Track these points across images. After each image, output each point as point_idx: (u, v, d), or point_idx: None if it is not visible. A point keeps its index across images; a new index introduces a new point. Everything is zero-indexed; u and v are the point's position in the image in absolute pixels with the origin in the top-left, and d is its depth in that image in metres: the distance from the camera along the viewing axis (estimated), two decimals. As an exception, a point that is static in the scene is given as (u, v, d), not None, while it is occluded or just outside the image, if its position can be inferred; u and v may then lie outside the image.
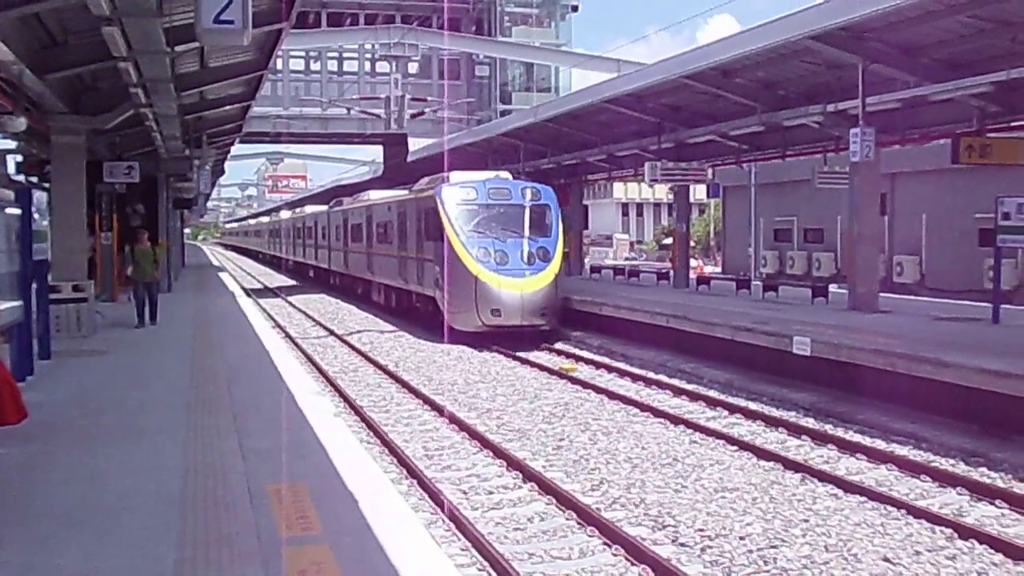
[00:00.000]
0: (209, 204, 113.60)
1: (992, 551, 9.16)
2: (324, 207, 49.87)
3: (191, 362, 15.65)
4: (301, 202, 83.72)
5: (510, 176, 28.35)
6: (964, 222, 28.76)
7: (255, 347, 17.67)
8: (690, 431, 14.35)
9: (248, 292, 40.09)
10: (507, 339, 23.89)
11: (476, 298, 24.03)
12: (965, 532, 9.62)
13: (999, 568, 8.79)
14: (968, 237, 28.23)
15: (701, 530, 9.75)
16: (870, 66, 19.00)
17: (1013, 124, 19.17)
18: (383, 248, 33.03)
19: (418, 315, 28.73)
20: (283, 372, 14.54)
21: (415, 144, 49.59)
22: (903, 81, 19.69)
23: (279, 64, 45.39)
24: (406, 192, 31.68)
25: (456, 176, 26.96)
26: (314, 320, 32.18)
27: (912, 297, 27.77)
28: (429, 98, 47.35)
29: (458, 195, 25.52)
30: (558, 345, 24.47)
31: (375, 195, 38.12)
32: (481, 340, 24.17)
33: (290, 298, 42.10)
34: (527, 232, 25.05)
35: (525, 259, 24.48)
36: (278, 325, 29.92)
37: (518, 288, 23.94)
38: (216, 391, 12.80)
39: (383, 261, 33.07)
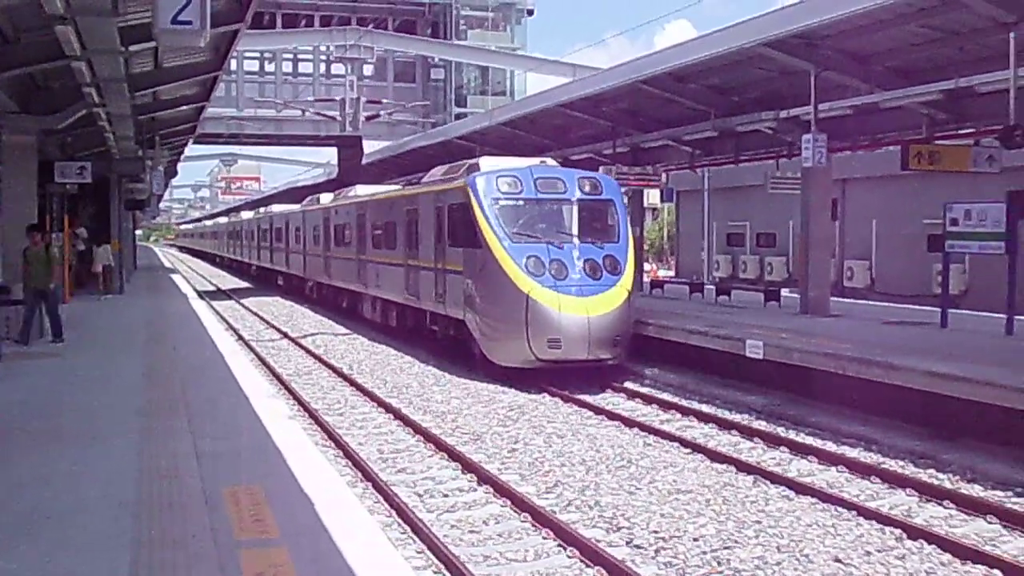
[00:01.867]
0: (161, 205, 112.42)
1: (940, 551, 9.32)
2: (296, 205, 44.56)
3: (144, 365, 15.55)
4: (267, 200, 76.23)
5: (556, 163, 23.26)
6: (913, 227, 29.11)
7: (209, 350, 17.57)
8: (644, 434, 14.46)
9: (201, 294, 39.84)
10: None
11: (527, 323, 18.12)
12: (914, 532, 9.77)
13: (947, 568, 8.95)
14: (917, 242, 28.57)
15: (655, 532, 9.83)
16: (822, 73, 19.23)
17: (960, 132, 19.47)
18: (382, 254, 26.97)
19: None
20: (237, 375, 14.48)
21: (370, 147, 49.51)
22: (855, 88, 19.96)
23: (234, 65, 45.16)
24: (417, 185, 25.89)
25: (488, 162, 21.32)
26: (267, 323, 32.00)
27: (862, 301, 28.11)
28: (384, 100, 47.27)
29: (497, 187, 19.53)
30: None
31: (365, 190, 32.25)
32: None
33: (243, 300, 41.82)
34: (588, 236, 19.49)
35: (589, 271, 18.86)
36: (231, 328, 29.72)
37: (583, 310, 18.11)
38: (170, 394, 12.72)
39: (381, 271, 26.93)
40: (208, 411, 11.54)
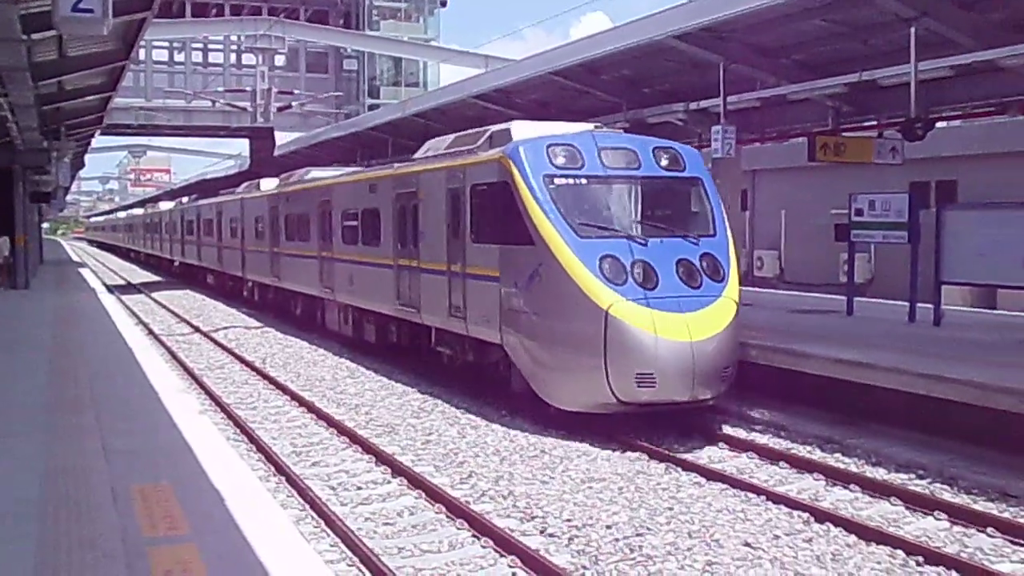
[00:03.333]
0: (68, 198, 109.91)
1: (847, 533, 9.56)
2: (232, 195, 37.71)
3: (50, 361, 15.23)
4: (191, 187, 69.91)
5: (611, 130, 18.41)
6: (820, 218, 29.65)
7: (118, 345, 17.27)
8: (556, 424, 14.54)
9: (110, 289, 39.12)
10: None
11: (606, 351, 13.10)
12: (821, 516, 10.01)
13: (852, 549, 9.17)
14: (824, 232, 29.12)
15: (568, 520, 9.92)
16: (731, 66, 19.49)
17: (865, 124, 19.89)
18: (357, 252, 21.66)
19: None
20: (147, 370, 14.26)
21: (282, 138, 49.01)
22: (762, 81, 20.28)
23: (142, 54, 44.40)
24: (416, 162, 19.49)
25: (523, 128, 16.01)
26: (179, 317, 31.54)
27: (772, 291, 28.57)
28: (296, 91, 46.89)
29: (551, 159, 14.35)
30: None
31: (324, 172, 27.14)
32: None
33: (154, 294, 41.16)
34: (675, 227, 14.53)
35: (685, 277, 13.84)
36: (142, 322, 29.26)
37: (685, 333, 13.11)
38: (77, 390, 12.49)
39: (357, 273, 21.71)
40: (117, 407, 11.36)
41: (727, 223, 14.95)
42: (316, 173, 27.27)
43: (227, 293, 37.62)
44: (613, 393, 13.16)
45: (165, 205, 59.73)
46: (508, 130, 15.96)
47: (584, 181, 14.42)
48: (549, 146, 14.55)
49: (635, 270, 13.52)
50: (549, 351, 13.99)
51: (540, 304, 14.07)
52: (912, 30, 15.50)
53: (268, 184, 32.04)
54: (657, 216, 14.52)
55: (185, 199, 54.19)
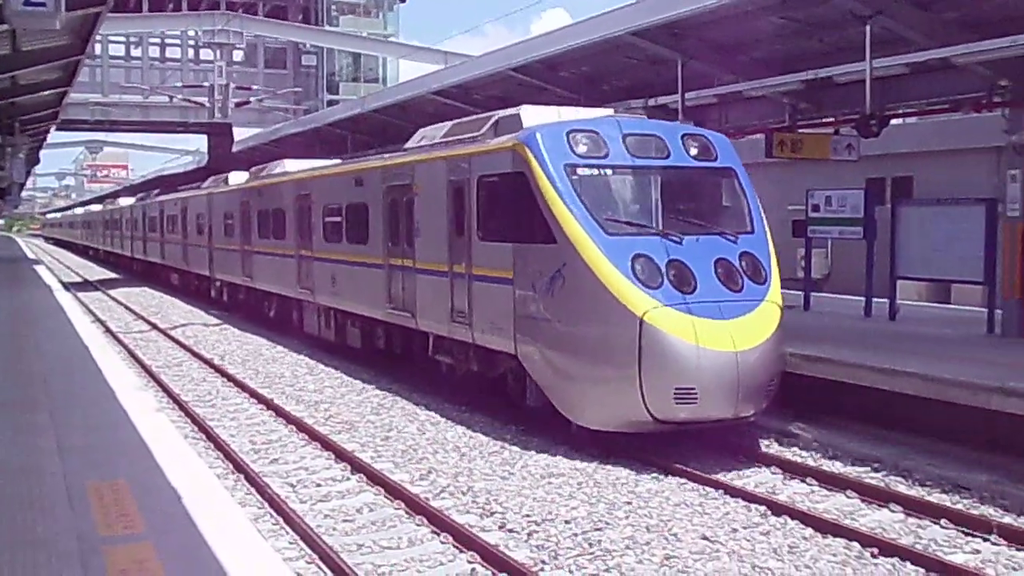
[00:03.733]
0: (24, 194, 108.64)
1: (803, 526, 9.69)
2: (198, 189, 36.20)
3: (3, 359, 15.04)
4: (152, 183, 65.72)
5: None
6: (778, 213, 29.74)
7: (74, 343, 17.08)
8: (516, 419, 14.56)
9: (67, 286, 38.70)
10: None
11: (640, 364, 11.73)
12: (778, 509, 10.12)
13: (809, 541, 9.27)
14: (782, 228, 29.31)
15: (528, 516, 9.95)
16: (689, 62, 19.55)
17: (821, 121, 20.05)
18: (340, 251, 20.19)
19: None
20: (104, 368, 14.12)
21: (240, 134, 48.68)
22: (720, 78, 20.36)
23: (98, 49, 43.94)
24: (410, 152, 17.69)
25: (535, 113, 14.54)
26: (136, 314, 31.28)
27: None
28: (254, 87, 46.56)
29: (572, 147, 12.93)
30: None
31: (298, 164, 25.49)
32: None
33: (112, 292, 40.79)
34: (710, 223, 13.24)
35: (724, 279, 12.50)
36: (99, 320, 29.00)
37: (728, 342, 11.79)
38: (32, 388, 12.35)
39: (340, 273, 20.14)
40: (72, 405, 11.24)
41: (764, 218, 13.70)
42: (291, 165, 25.71)
43: (193, 293, 36.06)
44: (647, 410, 11.77)
45: (125, 201, 58.03)
46: (517, 115, 14.45)
47: (610, 172, 13.01)
48: (570, 132, 13.09)
49: (670, 272, 12.14)
50: (573, 363, 12.49)
51: (563, 310, 12.55)
52: (867, 28, 15.62)
53: (238, 178, 30.30)
54: (690, 211, 13.17)
55: (147, 194, 52.21)
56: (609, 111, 15.48)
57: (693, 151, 13.54)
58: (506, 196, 13.60)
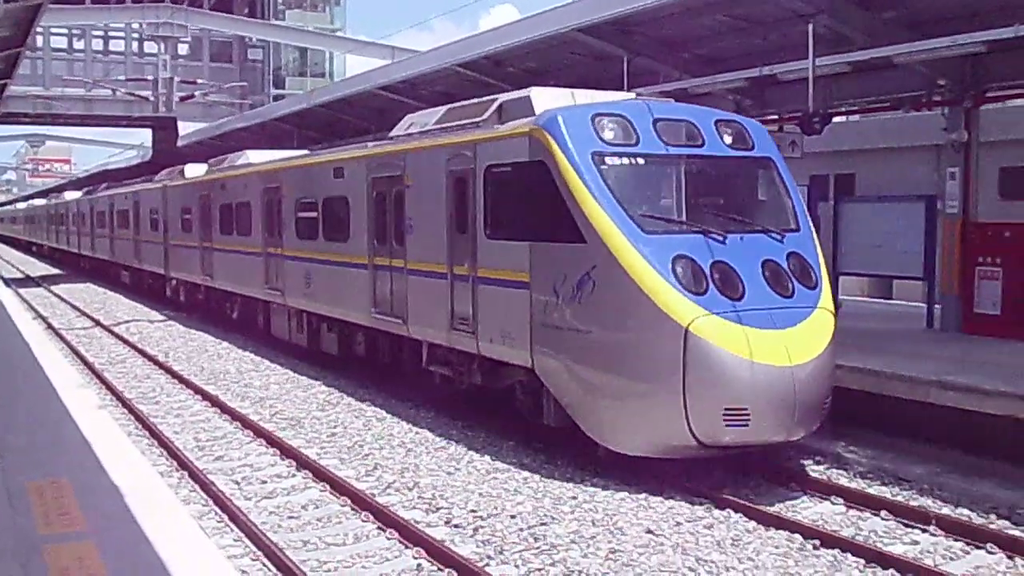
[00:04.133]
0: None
1: (747, 519, 9.80)
2: (151, 183, 33.17)
3: (-58, 356, 14.84)
4: (96, 178, 61.67)
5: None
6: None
7: (13, 339, 16.86)
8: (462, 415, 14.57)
9: (7, 282, 38.17)
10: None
11: (685, 381, 10.38)
12: (722, 503, 10.22)
13: (752, 534, 9.38)
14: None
15: (474, 511, 9.97)
16: (635, 59, 19.68)
17: (766, 118, 20.22)
18: (317, 249, 18.42)
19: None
20: (44, 365, 13.95)
21: (185, 128, 48.26)
22: (666, 74, 20.49)
23: (40, 41, 43.35)
24: (401, 140, 15.84)
25: (547, 95, 12.90)
26: (79, 310, 30.89)
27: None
28: (199, 81, 46.19)
29: (598, 133, 11.46)
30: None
31: (262, 156, 24.06)
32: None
33: (54, 288, 40.23)
34: (753, 219, 11.81)
35: (772, 283, 11.12)
36: (40, 316, 28.60)
37: (783, 355, 10.47)
38: (-30, 386, 12.19)
39: (315, 272, 18.43)
40: (12, 403, 11.10)
41: (808, 215, 12.41)
42: (255, 156, 24.04)
43: (145, 292, 34.02)
44: (692, 433, 10.37)
45: (72, 194, 54.76)
46: (526, 98, 12.79)
47: (642, 161, 11.54)
48: (595, 116, 11.55)
49: (715, 274, 10.73)
50: (605, 379, 10.98)
51: (593, 318, 10.98)
52: (810, 27, 15.80)
53: (195, 170, 28.37)
54: (731, 206, 11.79)
55: (94, 188, 48.18)
56: (631, 95, 13.93)
57: (728, 139, 12.16)
58: (521, 188, 12.07)
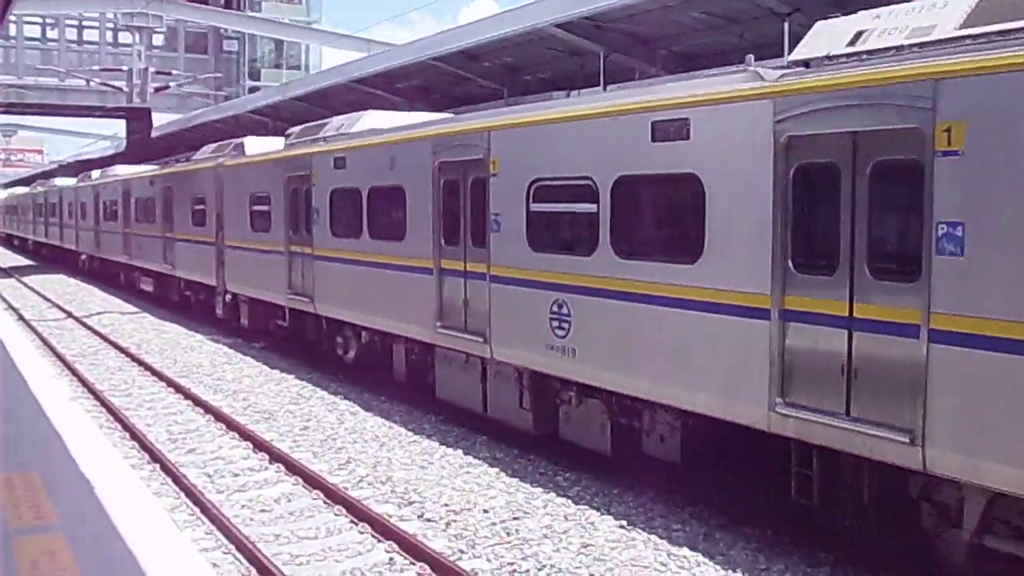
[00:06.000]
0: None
1: (720, 514, 9.82)
2: (195, 161, 26.31)
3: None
4: (89, 164, 53.90)
5: None
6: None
7: (-16, 330, 16.77)
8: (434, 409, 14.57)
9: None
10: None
11: None
12: (695, 499, 10.25)
13: (724, 530, 9.42)
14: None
15: (447, 505, 10.00)
16: (611, 55, 19.72)
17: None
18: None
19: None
20: (15, 356, 13.85)
21: (160, 119, 47.99)
22: (642, 71, 20.55)
23: (12, 30, 43.00)
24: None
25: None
26: (51, 302, 30.68)
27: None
28: (174, 72, 45.92)
29: None
30: None
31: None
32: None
33: (25, 279, 39.94)
34: None
35: None
36: (11, 307, 28.41)
37: None
38: (-60, 377, 12.10)
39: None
40: (-18, 395, 11.04)
41: None
42: (386, 120, 16.95)
43: (154, 299, 29.09)
44: None
45: (64, 181, 49.07)
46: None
47: None
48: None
49: None
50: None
51: None
52: (786, 25, 15.88)
53: (260, 144, 22.98)
54: None
55: (95, 173, 40.61)
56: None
57: None
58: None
